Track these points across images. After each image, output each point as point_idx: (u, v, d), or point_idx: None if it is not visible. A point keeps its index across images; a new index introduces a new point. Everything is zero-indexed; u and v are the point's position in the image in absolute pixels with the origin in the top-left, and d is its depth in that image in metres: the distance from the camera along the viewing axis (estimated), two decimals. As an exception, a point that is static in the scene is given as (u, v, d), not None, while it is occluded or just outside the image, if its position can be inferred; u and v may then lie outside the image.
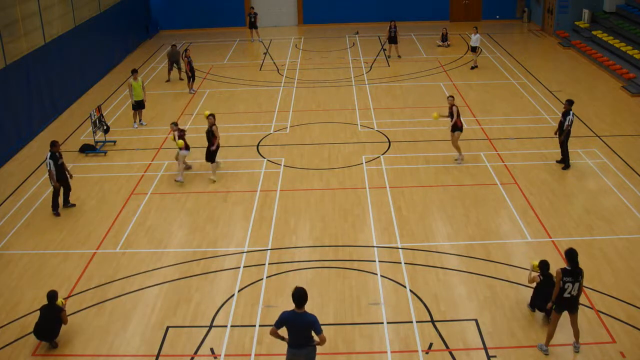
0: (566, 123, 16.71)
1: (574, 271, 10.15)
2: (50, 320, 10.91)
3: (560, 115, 17.26)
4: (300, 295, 8.95)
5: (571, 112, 16.78)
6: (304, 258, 13.51)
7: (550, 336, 10.51)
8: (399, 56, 28.97)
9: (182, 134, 17.06)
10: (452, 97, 17.45)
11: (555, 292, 10.28)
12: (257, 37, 32.91)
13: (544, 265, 11.31)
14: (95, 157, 19.13)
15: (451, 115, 17.24)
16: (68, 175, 15.73)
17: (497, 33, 33.26)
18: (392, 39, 28.68)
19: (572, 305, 10.30)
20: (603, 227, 14.33)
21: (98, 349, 11.07)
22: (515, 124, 20.49)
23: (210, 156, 16.97)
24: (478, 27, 27.89)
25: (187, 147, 16.94)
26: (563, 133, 16.85)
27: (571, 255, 10.22)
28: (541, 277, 11.25)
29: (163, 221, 15.26)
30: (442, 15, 36.36)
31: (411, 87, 24.55)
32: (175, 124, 17.33)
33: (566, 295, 10.17)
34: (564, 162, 17.17)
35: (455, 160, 17.66)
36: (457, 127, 17.30)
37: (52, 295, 11.04)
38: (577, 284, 10.15)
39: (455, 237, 14.10)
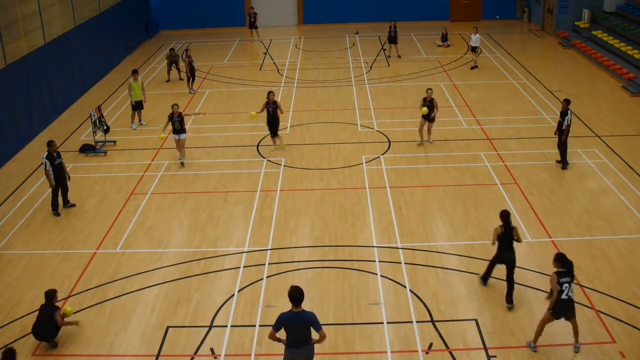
0: (565, 123, 16.74)
1: (568, 271, 10.16)
2: (46, 320, 10.90)
3: (559, 115, 17.26)
4: (297, 294, 8.96)
5: (569, 112, 16.82)
6: (304, 258, 13.52)
7: (538, 335, 10.45)
8: (399, 56, 28.97)
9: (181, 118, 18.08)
10: (431, 89, 18.59)
11: (553, 298, 10.18)
12: (257, 37, 32.91)
13: (506, 215, 11.52)
14: (95, 157, 19.13)
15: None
16: (67, 177, 15.74)
17: (497, 33, 33.26)
18: (392, 39, 28.68)
19: (569, 308, 10.23)
20: (603, 227, 14.33)
21: (98, 349, 11.07)
22: (515, 124, 20.50)
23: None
24: (478, 27, 27.88)
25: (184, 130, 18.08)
26: (563, 133, 16.87)
27: (560, 258, 10.24)
28: (503, 228, 11.48)
29: (163, 221, 15.27)
30: (442, 15, 36.37)
31: (411, 87, 24.55)
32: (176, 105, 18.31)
33: (564, 297, 10.11)
34: (562, 161, 17.19)
35: (419, 145, 18.80)
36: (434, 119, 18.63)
37: (50, 294, 11.03)
38: (572, 284, 10.15)
39: (455, 237, 14.10)
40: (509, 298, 11.63)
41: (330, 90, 24.68)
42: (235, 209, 15.68)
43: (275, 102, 18.54)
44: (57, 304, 11.26)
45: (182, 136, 17.92)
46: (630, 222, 14.55)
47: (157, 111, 22.83)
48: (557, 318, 10.32)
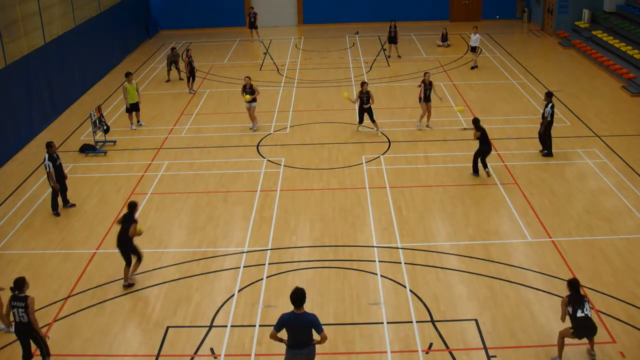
0: (544, 114, 17.41)
1: (577, 297, 9.99)
2: (124, 231, 12.32)
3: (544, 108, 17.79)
4: (299, 296, 8.96)
5: (549, 105, 17.43)
6: (304, 258, 13.52)
7: (561, 347, 10.24)
8: (399, 56, 28.98)
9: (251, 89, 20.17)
10: (428, 73, 20.25)
11: (562, 317, 10.13)
12: (257, 37, 32.91)
13: (476, 122, 15.98)
14: (95, 157, 19.13)
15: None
16: (64, 176, 15.76)
17: (497, 33, 33.26)
18: (392, 39, 28.69)
19: (589, 328, 10.00)
20: (603, 227, 14.33)
21: (98, 349, 11.07)
22: (515, 124, 20.50)
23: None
24: (478, 27, 27.89)
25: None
26: (543, 124, 17.53)
27: (573, 284, 10.04)
28: (480, 132, 15.83)
29: (163, 221, 15.27)
30: (442, 15, 36.37)
31: (411, 87, 24.53)
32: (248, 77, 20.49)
33: (580, 315, 9.91)
34: (545, 150, 17.87)
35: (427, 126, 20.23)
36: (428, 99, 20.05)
37: (133, 205, 12.60)
38: (586, 304, 9.96)
39: (455, 237, 14.10)
40: (485, 166, 16.47)
41: (330, 90, 24.68)
42: (235, 209, 15.67)
43: (367, 92, 19.72)
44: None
45: (253, 104, 20.24)
46: (630, 222, 14.55)
47: (157, 111, 22.84)
48: (580, 338, 10.10)
